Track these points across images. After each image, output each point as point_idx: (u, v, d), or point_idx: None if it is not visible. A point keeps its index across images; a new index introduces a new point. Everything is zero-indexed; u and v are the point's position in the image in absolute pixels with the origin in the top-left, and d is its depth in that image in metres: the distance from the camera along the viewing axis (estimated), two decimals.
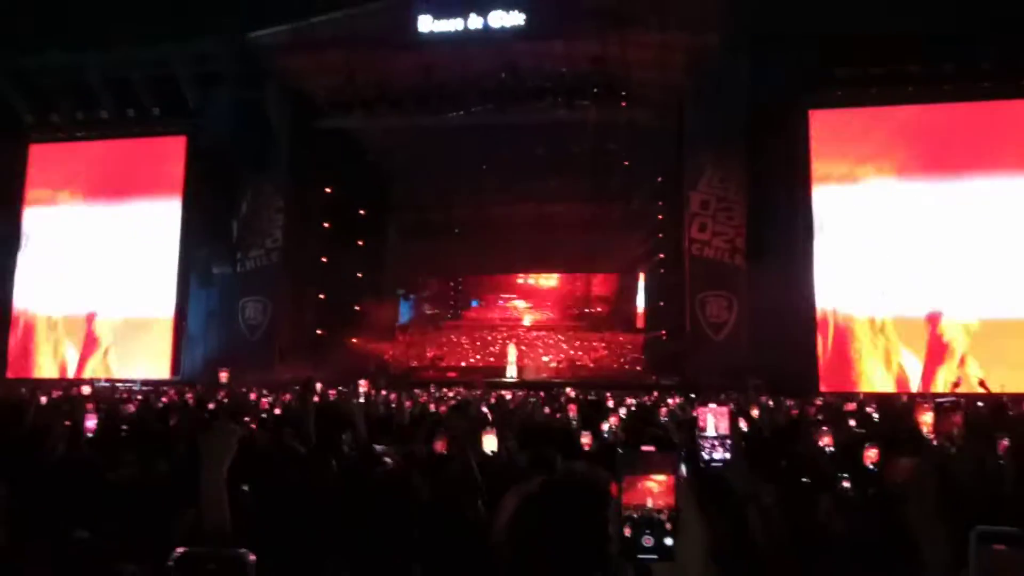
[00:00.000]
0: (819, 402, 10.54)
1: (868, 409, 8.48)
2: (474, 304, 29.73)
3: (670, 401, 11.37)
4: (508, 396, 13.15)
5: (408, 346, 26.68)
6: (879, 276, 18.31)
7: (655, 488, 1.57)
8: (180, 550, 1.38)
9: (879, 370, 18.22)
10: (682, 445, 3.79)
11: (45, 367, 22.44)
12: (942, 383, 16.49)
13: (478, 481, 3.22)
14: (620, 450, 3.68)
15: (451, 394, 13.51)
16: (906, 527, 2.30)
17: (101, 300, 22.21)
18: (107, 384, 18.73)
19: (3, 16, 19.43)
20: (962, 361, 17.43)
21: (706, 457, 2.31)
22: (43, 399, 8.28)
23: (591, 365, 25.59)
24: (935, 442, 4.15)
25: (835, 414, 7.19)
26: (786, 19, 17.41)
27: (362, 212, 24.83)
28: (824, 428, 3.83)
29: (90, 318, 22.38)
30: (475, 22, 19.07)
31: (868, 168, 18.84)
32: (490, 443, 4.43)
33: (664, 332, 22.40)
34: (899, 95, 18.61)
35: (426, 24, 19.20)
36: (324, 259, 22.46)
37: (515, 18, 18.88)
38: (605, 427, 6.15)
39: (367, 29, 19.07)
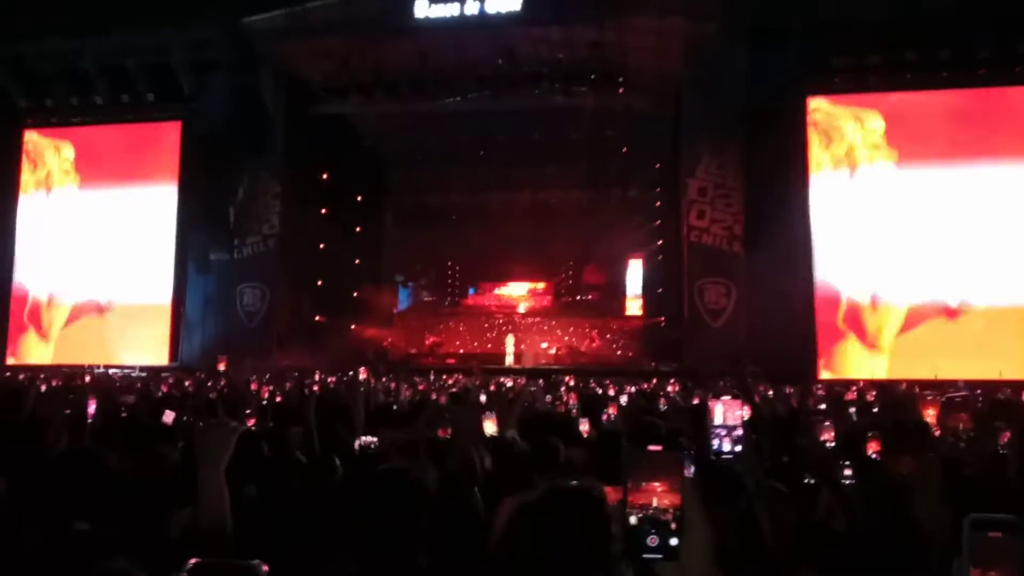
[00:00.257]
0: (820, 391, 10.54)
1: (868, 397, 8.50)
2: (471, 292, 29.72)
3: (669, 388, 11.39)
4: (509, 383, 13.19)
5: (407, 333, 26.69)
6: (877, 263, 18.34)
7: (660, 488, 1.57)
8: (193, 561, 1.38)
9: (877, 357, 18.27)
10: (686, 435, 3.78)
11: (43, 354, 22.43)
12: (940, 371, 16.51)
13: (477, 469, 3.22)
14: (624, 442, 3.69)
15: (450, 382, 13.52)
16: (910, 519, 2.30)
17: (98, 286, 22.16)
18: (105, 371, 18.73)
19: (1, 2, 19.30)
20: (962, 350, 17.46)
21: (715, 448, 2.30)
22: (42, 387, 8.27)
23: (589, 352, 25.62)
24: (939, 435, 4.17)
25: (836, 404, 7.20)
26: (784, 6, 17.38)
27: (359, 198, 24.79)
28: (827, 423, 3.82)
29: (87, 304, 22.34)
30: (471, 7, 18.95)
31: (866, 155, 18.84)
32: (489, 429, 4.42)
33: (663, 319, 22.44)
34: (897, 82, 18.58)
35: (422, 9, 19.09)
36: (321, 245, 22.43)
37: (512, 3, 18.76)
38: (604, 417, 6.16)
39: (363, 14, 18.96)
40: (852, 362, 18.34)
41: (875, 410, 6.81)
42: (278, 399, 8.28)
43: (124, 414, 5.99)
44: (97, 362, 19.94)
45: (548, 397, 8.71)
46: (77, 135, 22.98)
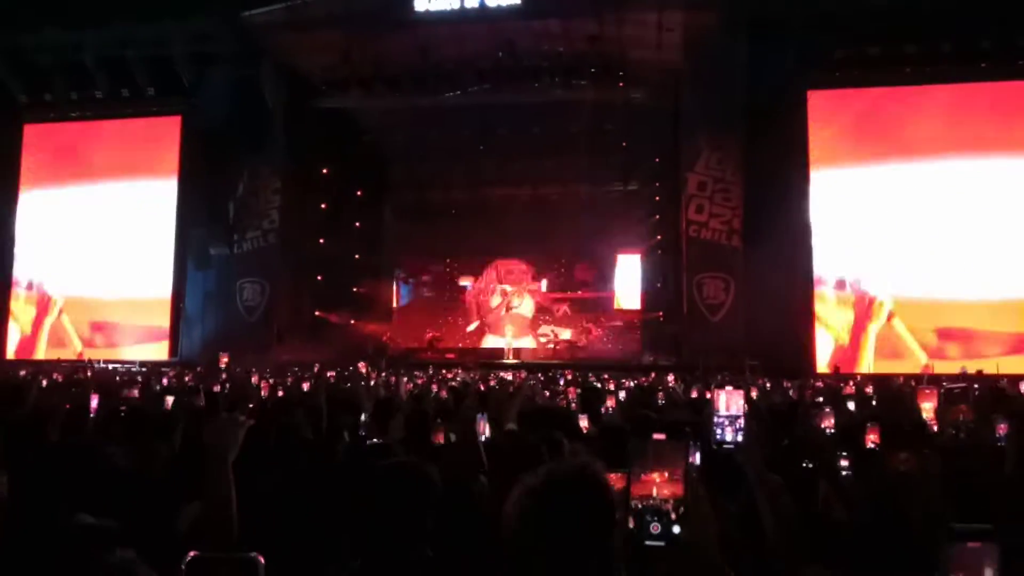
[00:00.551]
0: (818, 384, 10.57)
1: (866, 391, 8.51)
2: (471, 286, 29.68)
3: (669, 381, 11.41)
4: (509, 377, 13.21)
5: (406, 327, 26.68)
6: (877, 257, 18.32)
7: (665, 477, 1.59)
8: (192, 554, 1.39)
9: (875, 351, 18.26)
10: (689, 425, 3.80)
11: (43, 349, 22.43)
12: (936, 365, 16.53)
13: (483, 458, 3.24)
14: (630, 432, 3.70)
15: (451, 376, 13.56)
16: (909, 513, 2.31)
17: (98, 281, 22.12)
18: (105, 366, 18.73)
19: None
20: (965, 341, 17.48)
21: (718, 438, 2.32)
22: (44, 381, 8.29)
23: (587, 346, 25.62)
24: (937, 429, 4.18)
25: (834, 397, 7.21)
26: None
27: (359, 193, 24.75)
28: (827, 410, 3.84)
29: (87, 299, 22.31)
30: (471, 1, 18.91)
31: (866, 149, 18.80)
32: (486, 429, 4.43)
33: (661, 313, 22.44)
34: (898, 76, 18.53)
35: (422, 3, 19.02)
36: (321, 240, 22.41)
37: None
38: (603, 411, 6.16)
39: (363, 8, 18.91)
40: (849, 357, 18.33)
41: (873, 403, 6.82)
42: (280, 394, 8.30)
43: (124, 408, 5.99)
44: (97, 357, 19.96)
45: (546, 392, 8.71)
46: (77, 129, 22.90)
